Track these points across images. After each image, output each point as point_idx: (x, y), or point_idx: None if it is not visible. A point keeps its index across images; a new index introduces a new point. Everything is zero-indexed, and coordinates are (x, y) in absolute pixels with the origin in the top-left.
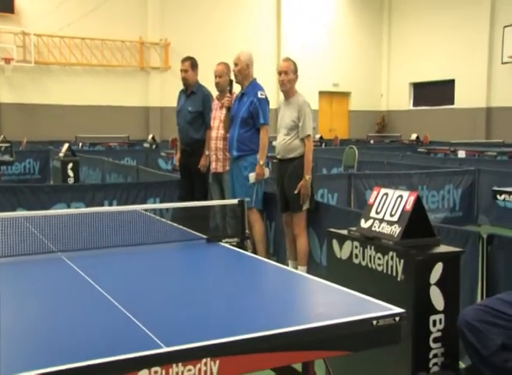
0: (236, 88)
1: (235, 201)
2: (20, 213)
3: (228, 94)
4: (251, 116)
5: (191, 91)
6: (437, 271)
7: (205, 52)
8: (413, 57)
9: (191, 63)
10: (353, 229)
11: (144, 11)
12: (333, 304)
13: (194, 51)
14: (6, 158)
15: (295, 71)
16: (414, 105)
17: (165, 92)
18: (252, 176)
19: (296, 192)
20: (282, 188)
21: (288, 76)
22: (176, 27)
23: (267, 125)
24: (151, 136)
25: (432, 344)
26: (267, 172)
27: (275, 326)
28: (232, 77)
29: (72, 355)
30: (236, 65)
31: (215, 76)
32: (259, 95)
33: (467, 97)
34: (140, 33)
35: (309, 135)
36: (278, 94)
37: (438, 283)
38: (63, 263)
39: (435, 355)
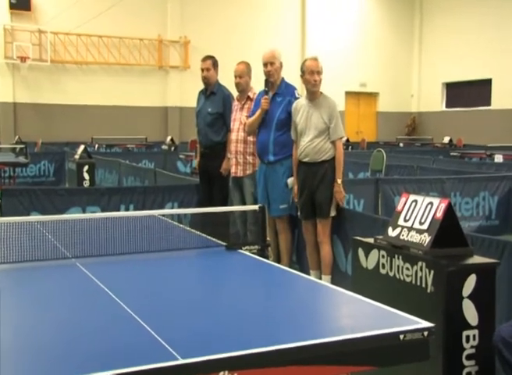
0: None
1: (255, 206)
2: (34, 218)
3: (265, 96)
4: (289, 117)
5: (211, 91)
6: (470, 283)
7: (226, 51)
8: (446, 55)
9: (213, 62)
10: (380, 237)
11: (163, 8)
12: (358, 316)
13: (215, 50)
14: (21, 159)
15: (322, 71)
16: (447, 106)
17: (185, 92)
18: (291, 181)
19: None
20: (308, 193)
21: (320, 76)
22: (196, 25)
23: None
24: (169, 137)
25: (465, 362)
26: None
27: (296, 339)
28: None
29: (87, 366)
30: (271, 64)
31: (235, 77)
32: (296, 95)
33: (505, 97)
34: (159, 31)
35: (342, 137)
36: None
37: (471, 297)
38: (78, 270)
39: (469, 374)
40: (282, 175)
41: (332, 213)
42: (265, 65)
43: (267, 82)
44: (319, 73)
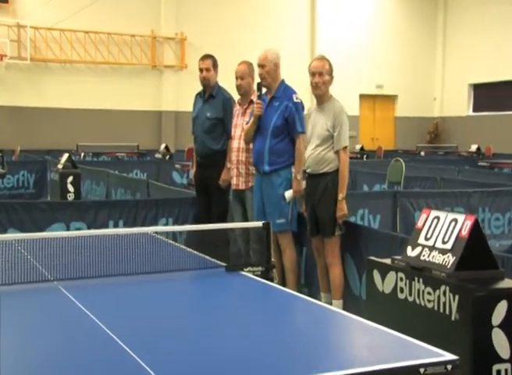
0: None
1: (259, 223)
2: (12, 236)
3: (258, 100)
4: (286, 124)
5: (210, 94)
6: (501, 311)
7: (227, 49)
8: (473, 53)
9: (213, 61)
10: (398, 257)
11: (157, 0)
12: (373, 347)
13: (214, 48)
14: None
15: (330, 72)
16: (474, 110)
17: (181, 94)
18: (289, 194)
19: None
20: (312, 208)
21: (323, 78)
22: (194, 20)
23: (304, 134)
24: (163, 145)
25: None
26: (303, 185)
27: (304, 372)
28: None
29: None
30: (262, 66)
31: (236, 78)
32: (294, 99)
33: None
34: (153, 26)
35: (345, 147)
36: (311, 99)
37: (502, 326)
38: (60, 294)
39: None
40: (279, 187)
41: (337, 232)
42: (258, 67)
43: (259, 85)
44: (321, 74)
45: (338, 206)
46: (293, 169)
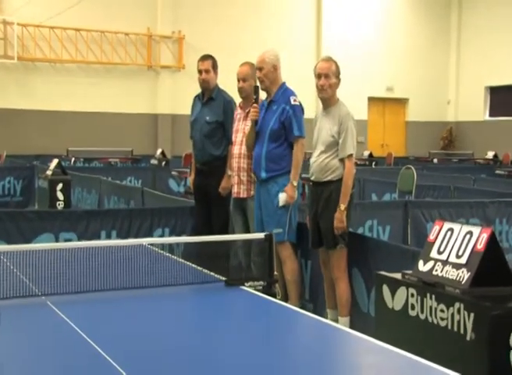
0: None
1: (261, 234)
2: None
3: (254, 105)
4: (283, 128)
5: (209, 96)
6: None
7: (227, 49)
8: (490, 54)
9: (213, 62)
10: (409, 272)
11: None
12: (382, 368)
13: (214, 48)
14: None
15: (337, 74)
16: (491, 114)
17: (178, 97)
18: (282, 198)
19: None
20: (314, 218)
21: (329, 81)
22: (192, 17)
23: (303, 138)
24: (159, 150)
25: None
26: (296, 195)
27: None
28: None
29: None
30: (260, 69)
31: (238, 80)
32: (292, 102)
33: None
34: (148, 24)
35: (351, 155)
36: (317, 103)
37: None
38: (49, 311)
39: None
40: (276, 195)
41: (340, 244)
42: (257, 70)
43: (256, 88)
44: (327, 76)
45: (336, 215)
46: (291, 175)
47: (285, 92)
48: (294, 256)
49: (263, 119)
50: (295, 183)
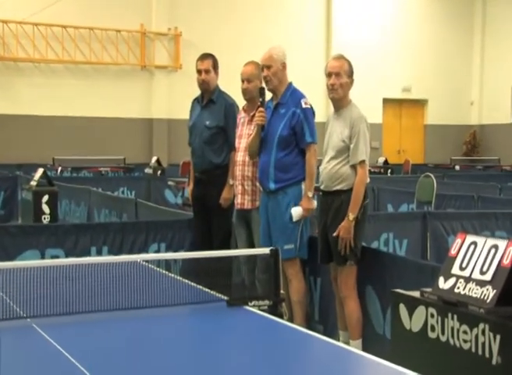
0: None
1: (266, 249)
2: None
3: (260, 108)
4: (293, 134)
5: (209, 99)
6: None
7: (229, 48)
8: None
9: (213, 62)
10: (429, 290)
11: None
12: None
13: (215, 46)
14: None
15: (350, 74)
16: None
17: (175, 99)
18: (297, 212)
19: (335, 234)
20: (323, 230)
21: (340, 80)
22: (190, 13)
23: (315, 144)
24: (154, 158)
25: None
26: (315, 205)
27: None
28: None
29: None
30: (268, 67)
31: (242, 81)
32: (303, 105)
33: None
34: (142, 20)
35: (363, 161)
36: (327, 105)
37: None
38: (35, 334)
39: None
40: (286, 207)
41: (350, 261)
42: (262, 68)
43: (262, 90)
44: (338, 75)
45: (343, 224)
46: (304, 186)
47: (293, 94)
48: (301, 274)
49: (269, 124)
50: (310, 195)
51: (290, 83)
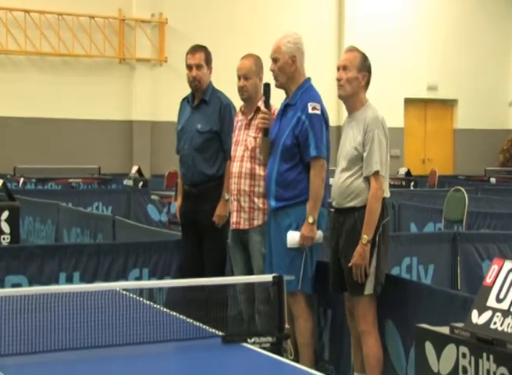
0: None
1: (269, 276)
2: None
3: (264, 109)
4: (297, 144)
5: (201, 99)
6: None
7: (224, 38)
8: None
9: (206, 55)
10: (460, 325)
11: None
12: None
13: (207, 36)
14: None
15: (361, 68)
16: None
17: (160, 98)
18: (293, 238)
19: (351, 264)
20: (335, 254)
21: (348, 74)
22: None
23: (322, 159)
24: (135, 168)
25: None
26: (319, 235)
27: None
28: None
29: None
30: (274, 60)
31: (239, 77)
32: (310, 110)
33: None
34: (120, 5)
35: (377, 172)
36: (339, 107)
37: None
38: None
39: None
40: (286, 230)
41: (368, 290)
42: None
43: (266, 87)
44: (346, 68)
45: (357, 249)
46: (307, 207)
47: (305, 94)
48: (308, 311)
49: (279, 128)
50: (311, 220)
51: (306, 81)
